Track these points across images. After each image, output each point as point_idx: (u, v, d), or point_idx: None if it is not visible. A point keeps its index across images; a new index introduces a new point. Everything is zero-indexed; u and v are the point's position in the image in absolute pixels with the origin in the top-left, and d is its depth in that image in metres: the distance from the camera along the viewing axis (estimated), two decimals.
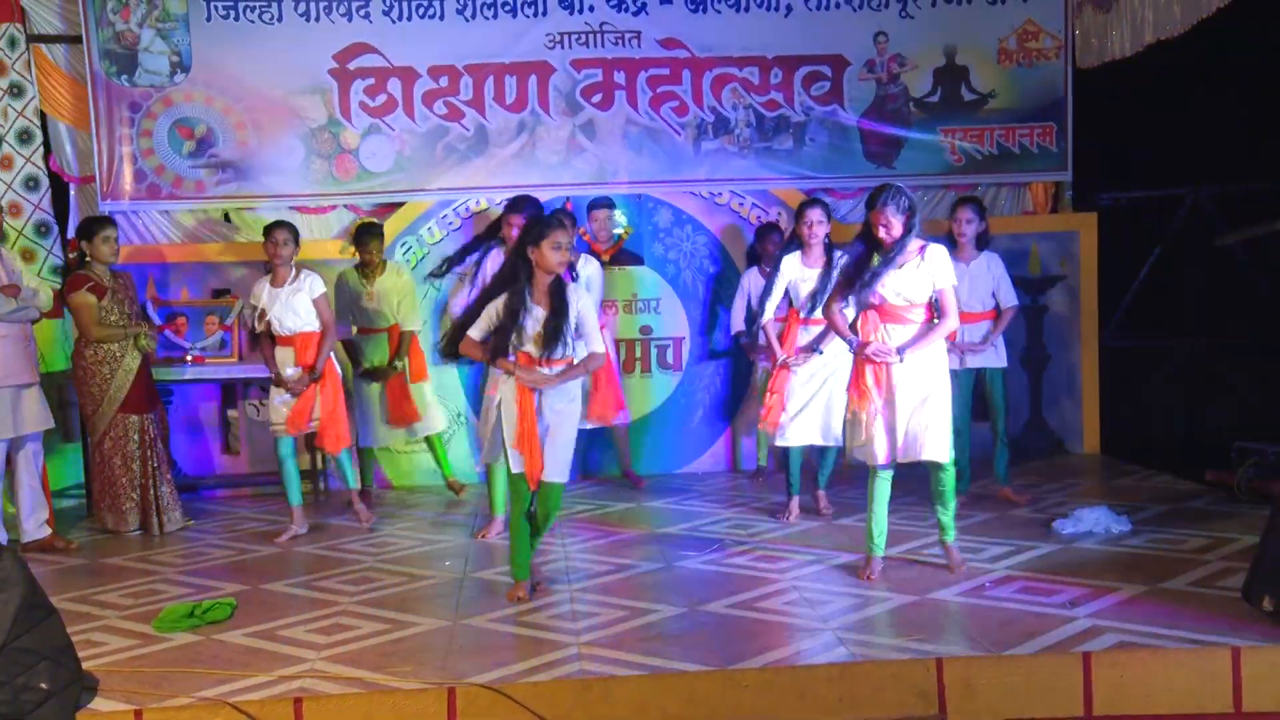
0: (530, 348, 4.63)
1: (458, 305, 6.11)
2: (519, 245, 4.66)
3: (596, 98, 7.53)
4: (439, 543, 5.95)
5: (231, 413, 7.55)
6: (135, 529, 6.34)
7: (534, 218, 5.13)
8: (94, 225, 6.29)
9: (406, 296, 6.83)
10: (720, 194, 7.68)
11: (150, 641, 4.41)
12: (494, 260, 6.08)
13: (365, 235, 6.75)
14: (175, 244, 7.41)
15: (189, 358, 7.18)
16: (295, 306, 5.97)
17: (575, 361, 4.68)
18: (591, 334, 4.69)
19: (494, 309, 4.63)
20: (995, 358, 6.20)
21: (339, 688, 3.83)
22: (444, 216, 7.53)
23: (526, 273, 4.61)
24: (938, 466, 4.83)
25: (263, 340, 6.05)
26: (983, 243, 6.23)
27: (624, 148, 7.55)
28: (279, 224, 6.07)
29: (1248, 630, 4.03)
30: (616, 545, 5.72)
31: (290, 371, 5.99)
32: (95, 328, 6.20)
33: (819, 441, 5.89)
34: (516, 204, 5.94)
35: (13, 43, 7.18)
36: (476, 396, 7.57)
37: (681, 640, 4.23)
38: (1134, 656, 3.91)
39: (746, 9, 7.54)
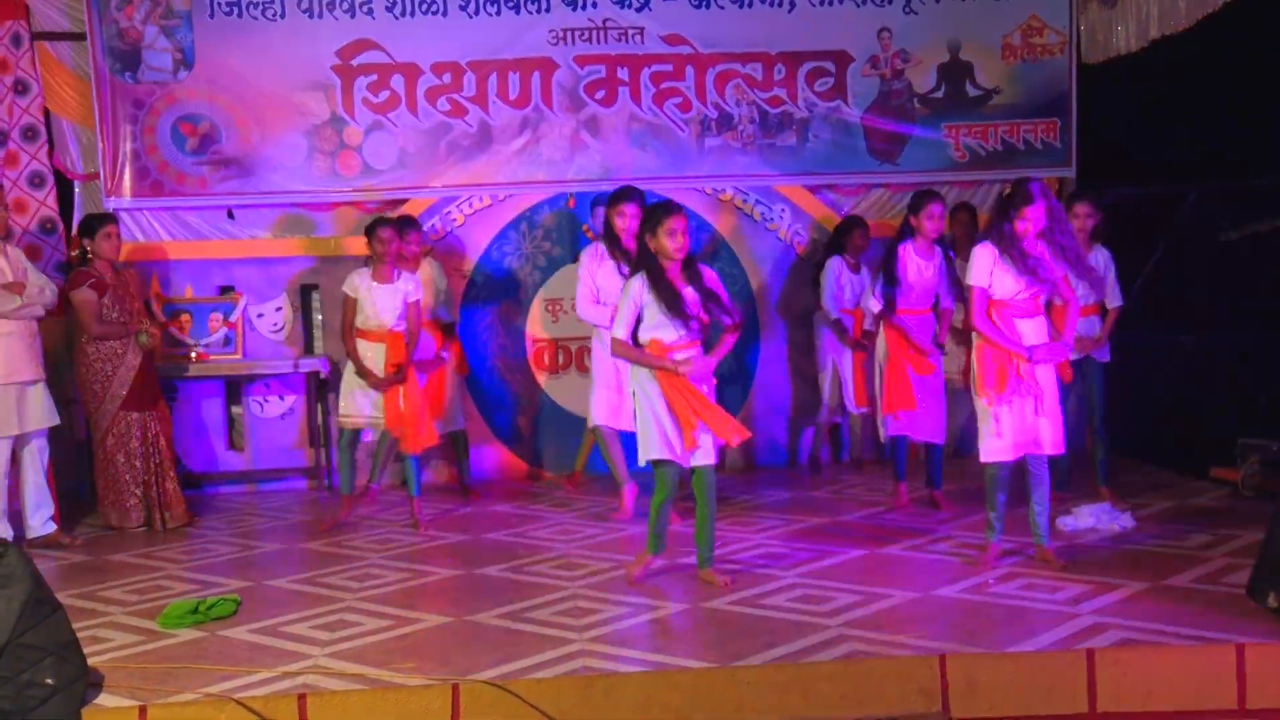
0: (667, 332, 4.67)
1: (585, 307, 6.03)
2: (640, 236, 4.75)
3: (600, 94, 7.52)
4: (442, 539, 5.95)
5: (235, 409, 7.56)
6: (139, 525, 6.35)
7: (650, 206, 5.09)
8: (96, 222, 6.31)
9: (441, 287, 6.88)
10: (724, 190, 7.68)
11: (155, 638, 4.42)
12: (589, 256, 6.07)
13: (406, 228, 6.67)
14: (179, 241, 7.41)
15: (193, 355, 7.20)
16: (394, 305, 6.01)
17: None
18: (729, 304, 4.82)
19: (632, 300, 4.69)
20: (1100, 352, 6.20)
21: (343, 684, 3.84)
22: (447, 213, 7.54)
23: (652, 263, 4.68)
24: (1044, 460, 4.91)
25: (349, 333, 6.03)
26: (1097, 236, 6.18)
27: (628, 144, 7.55)
28: (382, 221, 6.13)
29: (1252, 627, 4.03)
30: (619, 542, 5.73)
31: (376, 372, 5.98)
32: (96, 324, 6.21)
33: (938, 439, 6.04)
34: (624, 194, 5.89)
35: (17, 40, 7.19)
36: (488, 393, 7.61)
37: (685, 637, 4.25)
38: (1137, 653, 3.90)
39: (750, 4, 7.53)
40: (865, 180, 7.60)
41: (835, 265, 6.99)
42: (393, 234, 6.02)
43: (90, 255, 6.26)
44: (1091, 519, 5.64)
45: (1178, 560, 4.99)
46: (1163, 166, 7.62)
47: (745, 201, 7.69)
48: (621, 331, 4.74)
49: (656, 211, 4.71)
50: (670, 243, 4.63)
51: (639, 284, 4.72)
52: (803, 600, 4.62)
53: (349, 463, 6.13)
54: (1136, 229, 7.87)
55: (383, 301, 5.99)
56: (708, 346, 4.82)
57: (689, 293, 4.70)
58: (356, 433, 6.11)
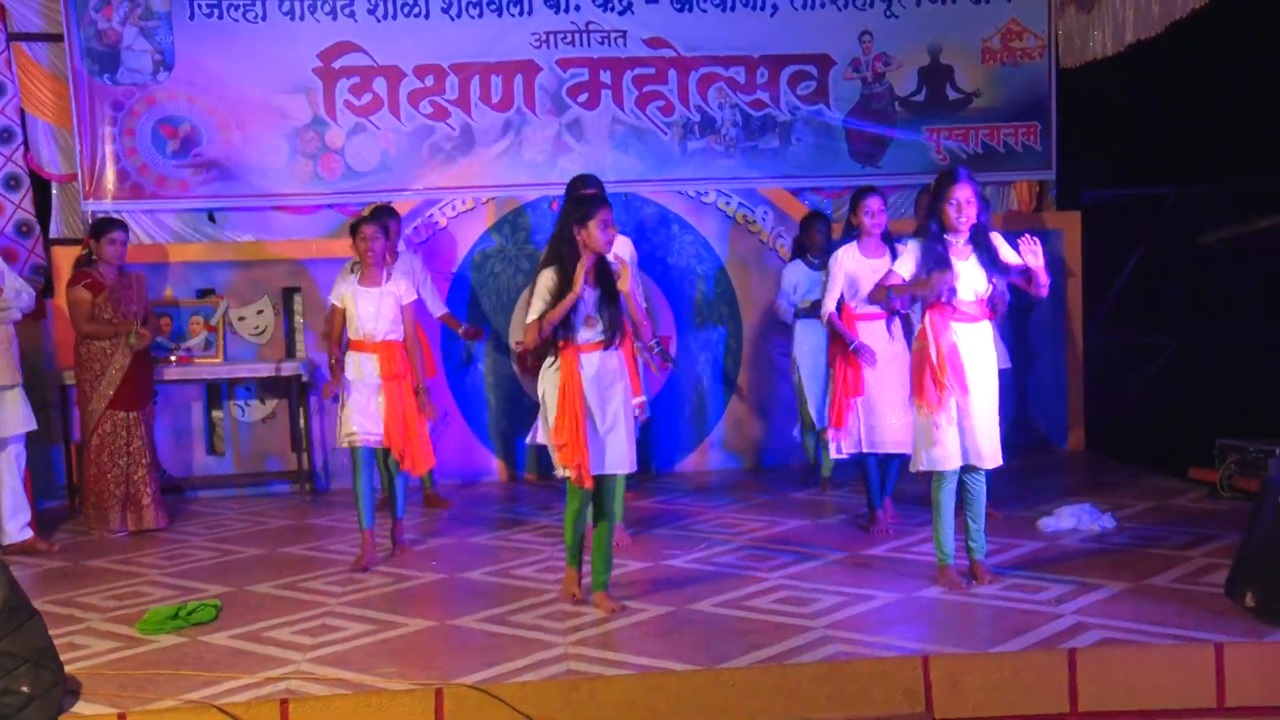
0: (581, 332, 4.53)
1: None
2: (562, 225, 4.59)
3: (583, 97, 7.51)
4: (425, 542, 5.93)
5: (216, 414, 7.51)
6: (119, 530, 6.30)
7: (577, 197, 4.98)
8: (103, 226, 6.33)
9: (425, 279, 6.80)
10: (706, 193, 7.68)
11: (134, 644, 4.38)
12: None
13: (386, 218, 6.43)
14: (160, 244, 7.36)
15: (173, 358, 7.15)
16: (385, 311, 5.46)
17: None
18: (637, 300, 4.65)
19: (544, 291, 4.50)
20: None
21: (325, 689, 3.81)
22: (430, 215, 7.51)
23: (572, 254, 4.51)
24: (979, 472, 4.73)
25: (335, 344, 5.53)
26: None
27: (610, 147, 7.54)
28: (366, 219, 5.62)
29: (1230, 626, 4.05)
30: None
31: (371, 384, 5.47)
32: (84, 323, 6.22)
33: (902, 450, 5.56)
34: (584, 181, 5.67)
35: None
36: (464, 391, 7.58)
37: (669, 639, 4.23)
38: (1118, 653, 3.92)
39: (732, 8, 7.54)
40: (847, 183, 7.60)
41: (792, 268, 6.80)
42: (377, 231, 5.48)
43: (94, 257, 6.25)
44: (1072, 519, 5.64)
45: (1158, 560, 5.01)
46: (1142, 169, 7.68)
47: (728, 204, 7.69)
48: (530, 324, 4.55)
49: (587, 203, 4.58)
50: (603, 235, 4.49)
51: (551, 277, 4.53)
52: (786, 601, 4.62)
53: (365, 489, 5.44)
54: (1116, 231, 7.92)
55: (373, 308, 5.46)
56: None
57: (588, 293, 4.52)
58: (370, 453, 5.49)
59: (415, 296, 5.69)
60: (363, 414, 5.45)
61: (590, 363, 4.54)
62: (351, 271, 5.58)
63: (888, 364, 5.59)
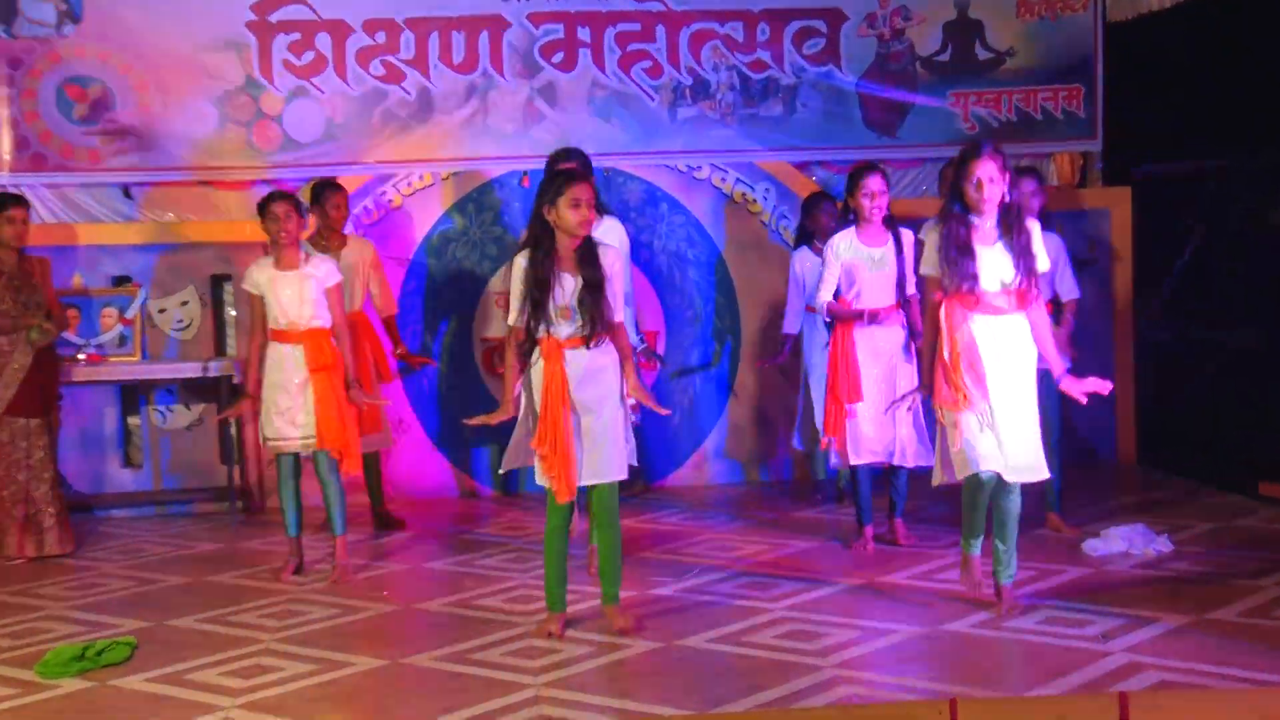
0: (561, 326, 4.58)
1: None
2: (535, 205, 4.65)
3: (557, 57, 7.49)
4: (376, 568, 5.90)
5: (133, 421, 7.47)
6: (17, 556, 6.25)
7: (551, 173, 5.00)
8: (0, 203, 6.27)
9: (377, 273, 6.78)
10: (699, 167, 7.67)
11: (33, 689, 4.34)
12: None
13: (326, 193, 6.55)
14: (67, 223, 7.32)
15: (81, 356, 7.10)
16: (307, 295, 5.62)
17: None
18: (616, 299, 4.65)
19: (517, 282, 4.60)
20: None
21: None
22: (383, 193, 7.49)
23: (547, 237, 4.58)
24: (1013, 488, 4.72)
25: (254, 335, 5.70)
26: (1043, 221, 6.10)
27: (589, 114, 7.53)
28: (277, 196, 5.75)
29: None
30: (577, 570, 5.67)
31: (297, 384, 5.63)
32: None
33: (904, 461, 5.77)
34: (566, 154, 5.69)
35: None
36: (424, 400, 7.55)
37: (656, 680, 4.22)
38: (1177, 698, 3.90)
39: None
40: (860, 156, 7.56)
41: (799, 257, 6.77)
42: (290, 209, 5.60)
43: None
44: (1123, 542, 5.66)
45: (1222, 590, 5.01)
46: (1202, 138, 7.67)
47: (724, 180, 7.68)
48: (516, 320, 4.63)
49: (559, 179, 4.64)
50: (573, 215, 4.52)
51: (520, 265, 4.62)
52: (791, 636, 4.61)
53: (289, 498, 5.72)
54: (1172, 210, 7.92)
55: (290, 293, 5.60)
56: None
57: (568, 280, 4.59)
58: (295, 462, 5.72)
59: (339, 279, 5.78)
60: (285, 418, 5.60)
61: (574, 360, 4.58)
62: (266, 255, 5.71)
63: (893, 367, 5.68)
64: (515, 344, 4.68)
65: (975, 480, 4.71)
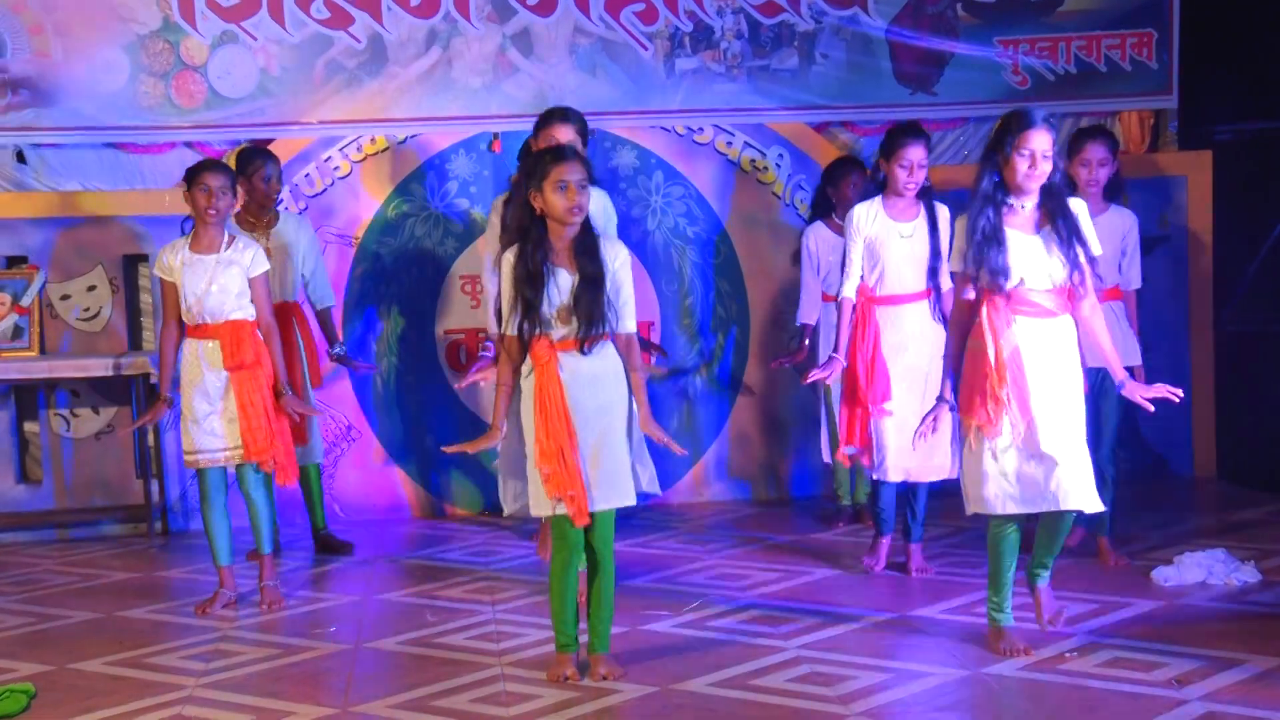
0: (558, 329, 4.60)
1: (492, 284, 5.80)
2: (520, 192, 4.68)
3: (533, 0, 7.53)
4: (321, 600, 5.93)
5: (30, 427, 7.49)
6: None
7: (535, 152, 5.01)
8: None
9: (313, 256, 6.80)
10: (701, 129, 7.70)
11: None
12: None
13: (255, 162, 6.55)
14: None
15: None
16: (227, 284, 5.64)
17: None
18: (625, 306, 4.68)
19: (508, 283, 4.62)
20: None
21: None
22: (327, 159, 7.51)
23: (535, 227, 4.60)
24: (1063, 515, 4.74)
25: (166, 328, 5.74)
26: (1112, 193, 6.06)
27: (571, 66, 7.55)
28: (211, 165, 5.76)
29: None
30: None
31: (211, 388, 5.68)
32: None
33: (930, 477, 5.77)
34: (556, 115, 5.69)
35: None
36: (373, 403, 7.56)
37: None
38: None
39: None
40: (890, 115, 7.60)
41: (814, 233, 6.82)
42: (226, 183, 5.63)
43: None
44: (1199, 571, 5.67)
45: None
46: None
47: (730, 144, 7.71)
48: (508, 328, 4.65)
49: (543, 159, 4.63)
50: (560, 201, 4.53)
51: (510, 261, 4.63)
52: (807, 680, 4.62)
53: (217, 520, 5.78)
54: (1260, 179, 7.93)
55: (207, 281, 5.62)
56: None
57: (564, 277, 4.60)
58: (220, 475, 5.78)
59: (266, 267, 5.81)
60: (203, 427, 5.64)
61: (569, 365, 4.60)
62: (184, 234, 5.73)
63: (923, 367, 5.68)
64: (508, 357, 4.69)
65: (1003, 526, 4.76)
